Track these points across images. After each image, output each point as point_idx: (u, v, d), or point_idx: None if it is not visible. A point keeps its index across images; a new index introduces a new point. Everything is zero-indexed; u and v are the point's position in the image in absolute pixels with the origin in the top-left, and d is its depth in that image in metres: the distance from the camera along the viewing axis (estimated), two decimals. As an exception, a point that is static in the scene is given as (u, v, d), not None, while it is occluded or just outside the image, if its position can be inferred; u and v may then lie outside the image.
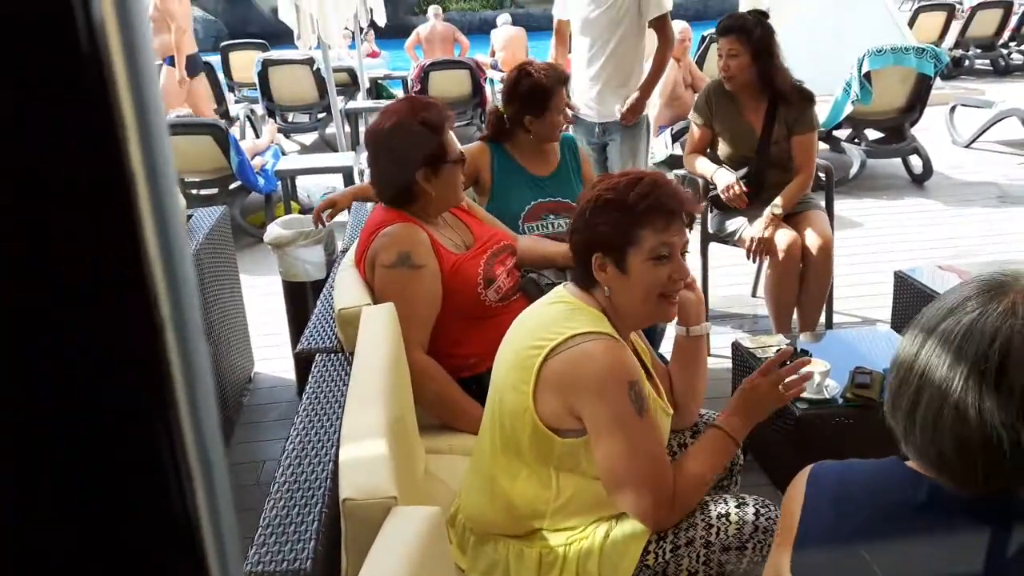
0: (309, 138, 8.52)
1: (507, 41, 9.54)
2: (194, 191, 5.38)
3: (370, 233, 2.21)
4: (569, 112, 2.91)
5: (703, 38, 7.95)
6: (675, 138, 5.61)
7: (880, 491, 1.06)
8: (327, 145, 7.96)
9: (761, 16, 3.32)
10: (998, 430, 0.92)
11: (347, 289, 2.17)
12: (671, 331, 2.07)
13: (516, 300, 2.28)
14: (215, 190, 5.42)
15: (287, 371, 3.48)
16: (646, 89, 3.72)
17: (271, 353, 3.66)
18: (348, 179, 5.35)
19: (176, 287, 0.26)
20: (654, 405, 1.60)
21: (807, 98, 3.31)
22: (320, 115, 8.24)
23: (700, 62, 7.53)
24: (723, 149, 3.43)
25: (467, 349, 2.20)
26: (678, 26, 6.09)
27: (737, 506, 1.58)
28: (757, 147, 3.31)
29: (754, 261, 3.39)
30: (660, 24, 3.72)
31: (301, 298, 3.25)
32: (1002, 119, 6.78)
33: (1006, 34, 10.84)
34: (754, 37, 3.22)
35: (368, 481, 1.28)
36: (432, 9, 10.13)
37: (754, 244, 3.25)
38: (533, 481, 1.57)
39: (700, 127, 3.47)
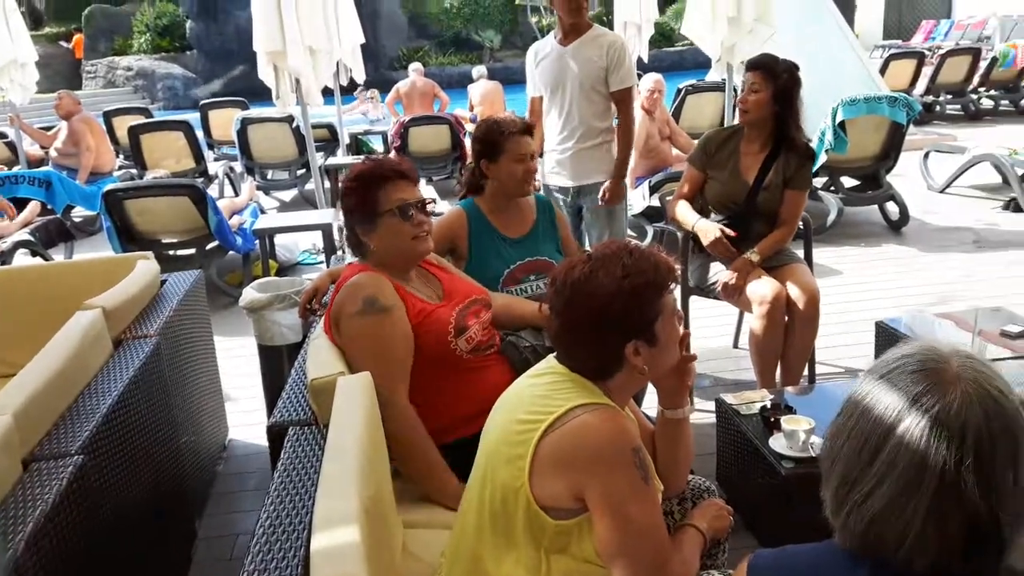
0: (288, 195, 8.51)
1: (484, 95, 9.63)
2: (171, 252, 5.33)
3: (337, 291, 2.18)
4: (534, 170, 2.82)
5: (679, 90, 8.04)
6: (652, 190, 5.63)
7: None
8: (306, 202, 7.95)
9: (793, 66, 3.32)
10: (982, 515, 0.92)
11: (320, 357, 2.11)
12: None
13: (490, 355, 2.23)
14: (192, 250, 5.38)
15: (262, 437, 3.36)
16: (618, 173, 3.76)
17: (246, 419, 3.58)
18: (327, 236, 5.32)
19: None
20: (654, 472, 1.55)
21: (808, 156, 3.33)
22: (299, 172, 8.24)
23: (676, 114, 7.60)
24: (712, 194, 3.43)
25: (439, 411, 2.11)
26: (651, 78, 6.16)
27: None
28: (746, 196, 3.31)
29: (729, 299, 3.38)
30: (622, 97, 3.73)
31: (277, 362, 3.19)
32: (975, 164, 6.87)
33: (975, 80, 11.07)
34: (779, 79, 3.24)
35: (340, 574, 1.22)
36: (413, 66, 10.22)
37: (728, 289, 3.27)
38: (521, 564, 1.49)
39: (694, 170, 3.48)
